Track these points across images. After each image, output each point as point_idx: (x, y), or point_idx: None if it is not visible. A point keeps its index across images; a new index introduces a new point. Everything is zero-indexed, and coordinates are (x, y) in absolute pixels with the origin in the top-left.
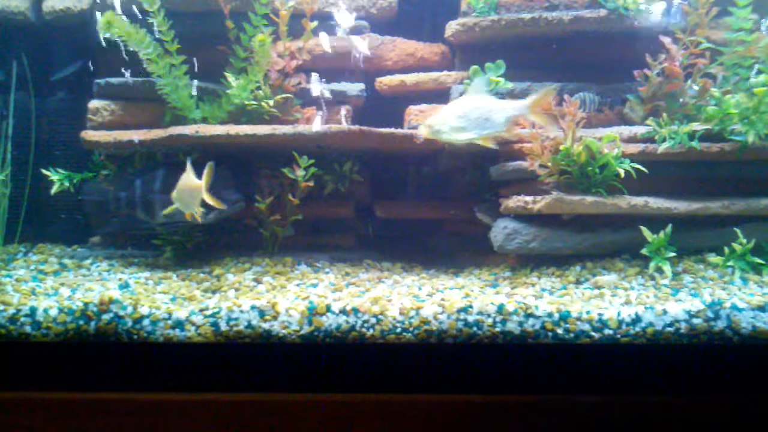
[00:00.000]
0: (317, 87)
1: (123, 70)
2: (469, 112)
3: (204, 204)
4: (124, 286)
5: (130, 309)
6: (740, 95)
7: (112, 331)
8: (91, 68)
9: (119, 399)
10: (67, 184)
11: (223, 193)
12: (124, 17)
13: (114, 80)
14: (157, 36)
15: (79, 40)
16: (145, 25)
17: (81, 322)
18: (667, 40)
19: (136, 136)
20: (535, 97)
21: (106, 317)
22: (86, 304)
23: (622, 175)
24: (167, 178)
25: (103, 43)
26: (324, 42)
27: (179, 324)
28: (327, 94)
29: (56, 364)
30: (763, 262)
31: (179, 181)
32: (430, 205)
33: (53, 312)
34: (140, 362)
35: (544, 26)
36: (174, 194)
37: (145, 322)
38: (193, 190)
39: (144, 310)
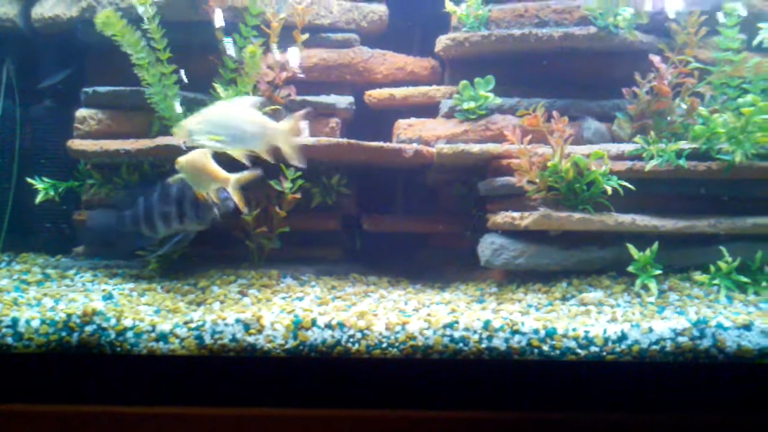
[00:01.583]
0: None
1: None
2: (228, 124)
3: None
4: (108, 297)
5: (113, 321)
6: (728, 115)
7: (95, 343)
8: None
9: (101, 412)
10: (52, 193)
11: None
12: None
13: (101, 89)
14: (149, 44)
15: (68, 49)
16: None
17: (64, 334)
18: (656, 59)
19: (124, 145)
20: (290, 122)
21: (89, 329)
22: (69, 316)
23: (610, 192)
24: (164, 190)
25: (93, 50)
26: None
27: (163, 336)
28: None
29: (38, 376)
30: (748, 280)
31: (198, 159)
32: (418, 219)
33: (35, 323)
34: (123, 375)
35: (534, 42)
36: (189, 169)
37: (129, 334)
38: (216, 180)
39: (127, 322)
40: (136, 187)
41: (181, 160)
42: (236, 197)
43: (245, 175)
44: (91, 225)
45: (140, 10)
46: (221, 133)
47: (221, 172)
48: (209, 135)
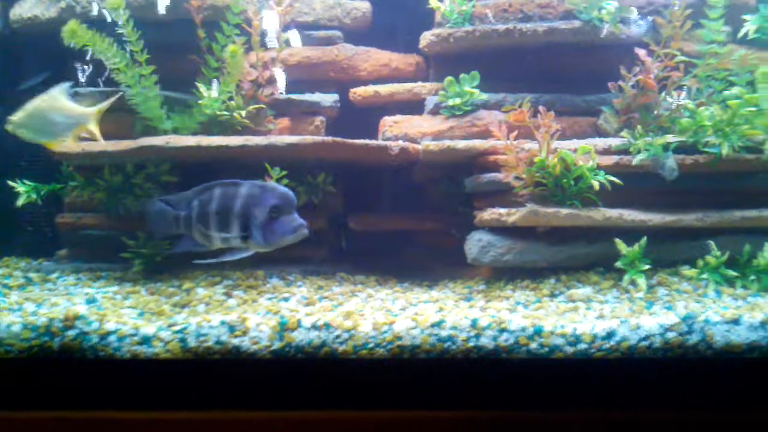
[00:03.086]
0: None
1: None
2: (37, 114)
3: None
4: (91, 300)
5: (96, 324)
6: (714, 107)
7: (77, 347)
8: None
9: (84, 418)
10: (34, 196)
11: (284, 219)
12: (86, 26)
13: (83, 90)
14: (125, 46)
15: (48, 49)
16: (116, 34)
17: (45, 339)
18: (641, 53)
19: (106, 147)
20: (99, 106)
21: (71, 333)
22: (51, 320)
23: (597, 187)
24: (225, 200)
25: (72, 52)
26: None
27: (146, 340)
28: None
29: (20, 381)
30: (736, 274)
31: (44, 104)
32: (405, 216)
33: (17, 328)
34: (106, 379)
35: (519, 37)
36: (34, 119)
37: (112, 338)
38: (73, 116)
39: (110, 325)
40: (199, 187)
41: (18, 113)
42: (96, 131)
43: (104, 105)
44: (148, 217)
45: (111, 15)
46: (32, 124)
47: (77, 107)
48: (24, 128)
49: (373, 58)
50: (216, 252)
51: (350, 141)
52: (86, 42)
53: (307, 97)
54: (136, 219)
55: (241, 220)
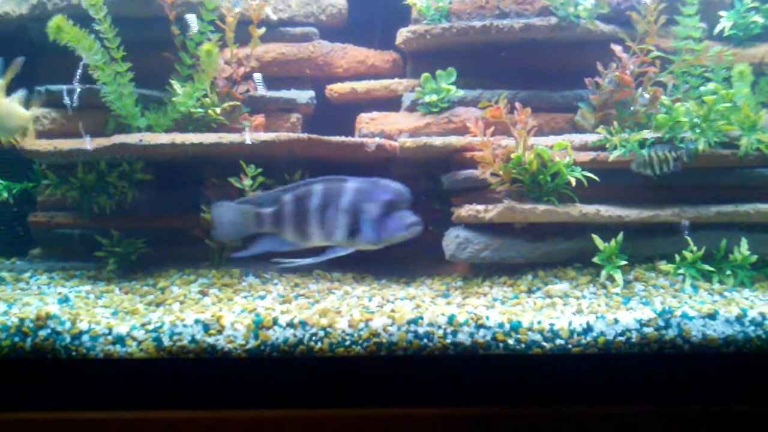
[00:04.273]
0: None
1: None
2: None
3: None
4: (64, 300)
5: (68, 324)
6: (690, 103)
7: (49, 347)
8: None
9: (57, 419)
10: (5, 194)
11: (397, 215)
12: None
13: (54, 87)
14: (102, 43)
15: (18, 46)
16: (89, 30)
17: (16, 339)
18: (617, 49)
19: (78, 145)
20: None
21: (42, 333)
22: (22, 320)
23: (574, 183)
24: (328, 196)
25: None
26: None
27: (120, 339)
28: None
29: None
30: (713, 269)
31: None
32: None
33: None
34: (79, 380)
35: (495, 34)
36: None
37: (84, 337)
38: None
39: (83, 325)
40: (290, 184)
41: None
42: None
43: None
44: (216, 218)
45: (90, 11)
46: None
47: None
48: None
49: (350, 54)
50: (304, 252)
51: (326, 138)
52: (71, 39)
53: (283, 94)
54: (110, 217)
55: (350, 215)
